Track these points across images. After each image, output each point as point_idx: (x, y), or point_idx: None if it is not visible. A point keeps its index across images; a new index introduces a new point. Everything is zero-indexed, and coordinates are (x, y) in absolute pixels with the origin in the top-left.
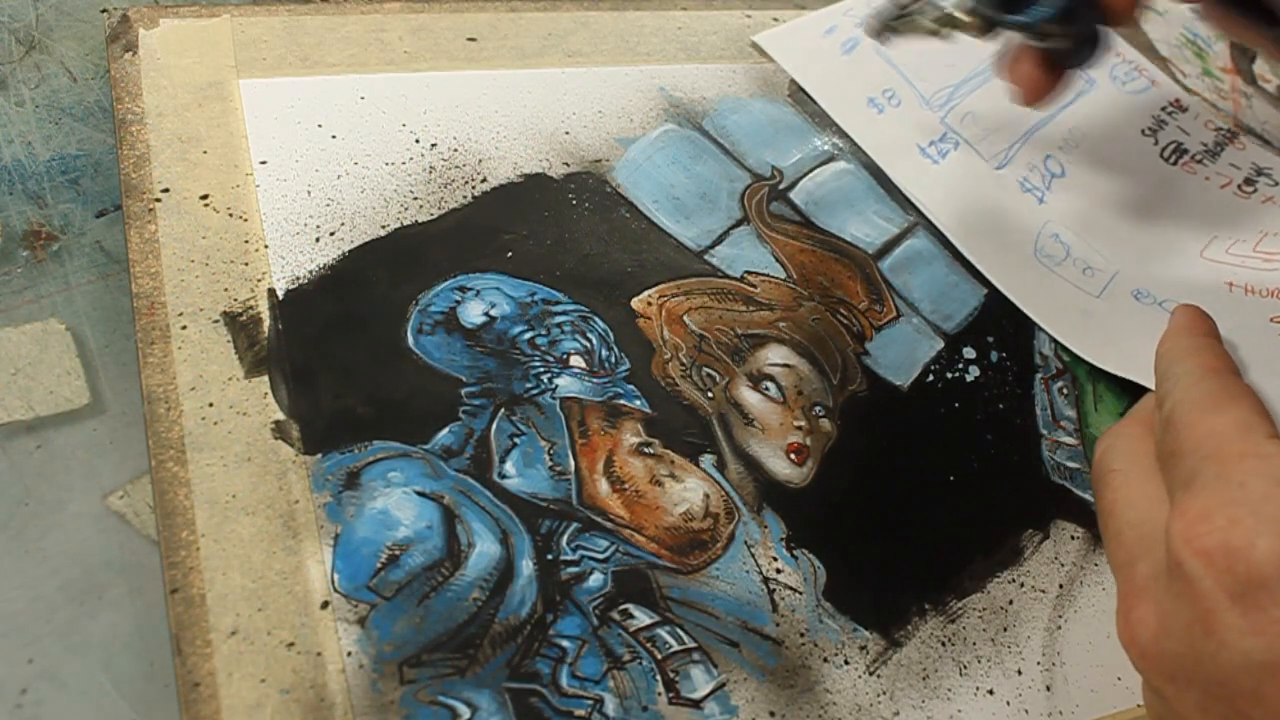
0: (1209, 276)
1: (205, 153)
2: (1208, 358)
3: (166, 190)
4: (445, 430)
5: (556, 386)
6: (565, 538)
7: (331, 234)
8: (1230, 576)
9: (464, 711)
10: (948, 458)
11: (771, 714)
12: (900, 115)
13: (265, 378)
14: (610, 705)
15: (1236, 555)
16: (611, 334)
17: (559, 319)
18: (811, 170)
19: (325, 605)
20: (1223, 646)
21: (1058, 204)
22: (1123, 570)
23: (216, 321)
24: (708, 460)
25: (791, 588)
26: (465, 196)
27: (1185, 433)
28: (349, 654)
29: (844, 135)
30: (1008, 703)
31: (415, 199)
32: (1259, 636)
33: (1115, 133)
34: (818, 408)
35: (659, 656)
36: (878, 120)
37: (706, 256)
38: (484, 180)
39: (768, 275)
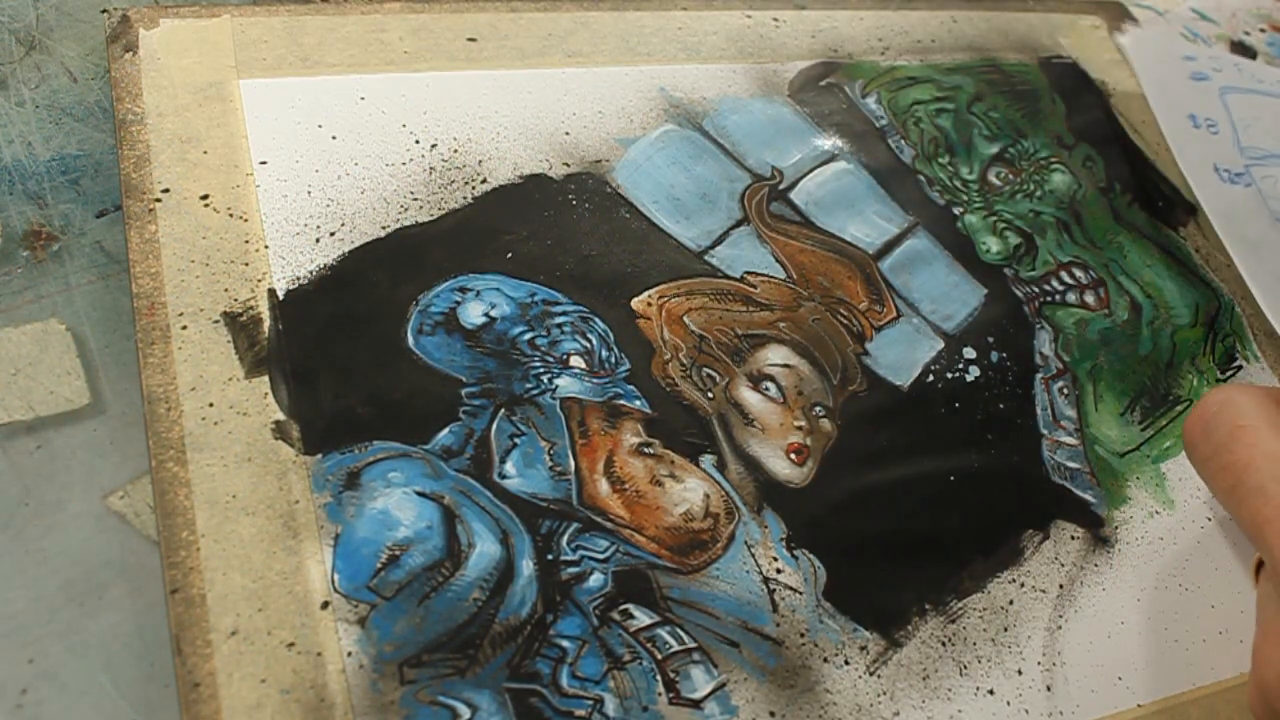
0: None
1: (205, 153)
2: None
3: (166, 190)
4: (445, 430)
5: (556, 387)
6: (565, 538)
7: (332, 234)
8: None
9: (464, 711)
10: (948, 458)
11: (772, 714)
12: (1211, 139)
13: (265, 378)
14: (610, 705)
15: None
16: (611, 334)
17: (559, 319)
18: (812, 170)
19: (325, 605)
20: None
21: None
22: (1270, 525)
23: (217, 322)
24: (708, 460)
25: (791, 588)
26: (465, 197)
27: None
28: (349, 654)
29: (846, 135)
30: (1008, 703)
31: (415, 199)
32: None
33: None
34: (818, 408)
35: (659, 656)
36: (1189, 131)
37: (706, 257)
38: (484, 181)
39: (768, 275)
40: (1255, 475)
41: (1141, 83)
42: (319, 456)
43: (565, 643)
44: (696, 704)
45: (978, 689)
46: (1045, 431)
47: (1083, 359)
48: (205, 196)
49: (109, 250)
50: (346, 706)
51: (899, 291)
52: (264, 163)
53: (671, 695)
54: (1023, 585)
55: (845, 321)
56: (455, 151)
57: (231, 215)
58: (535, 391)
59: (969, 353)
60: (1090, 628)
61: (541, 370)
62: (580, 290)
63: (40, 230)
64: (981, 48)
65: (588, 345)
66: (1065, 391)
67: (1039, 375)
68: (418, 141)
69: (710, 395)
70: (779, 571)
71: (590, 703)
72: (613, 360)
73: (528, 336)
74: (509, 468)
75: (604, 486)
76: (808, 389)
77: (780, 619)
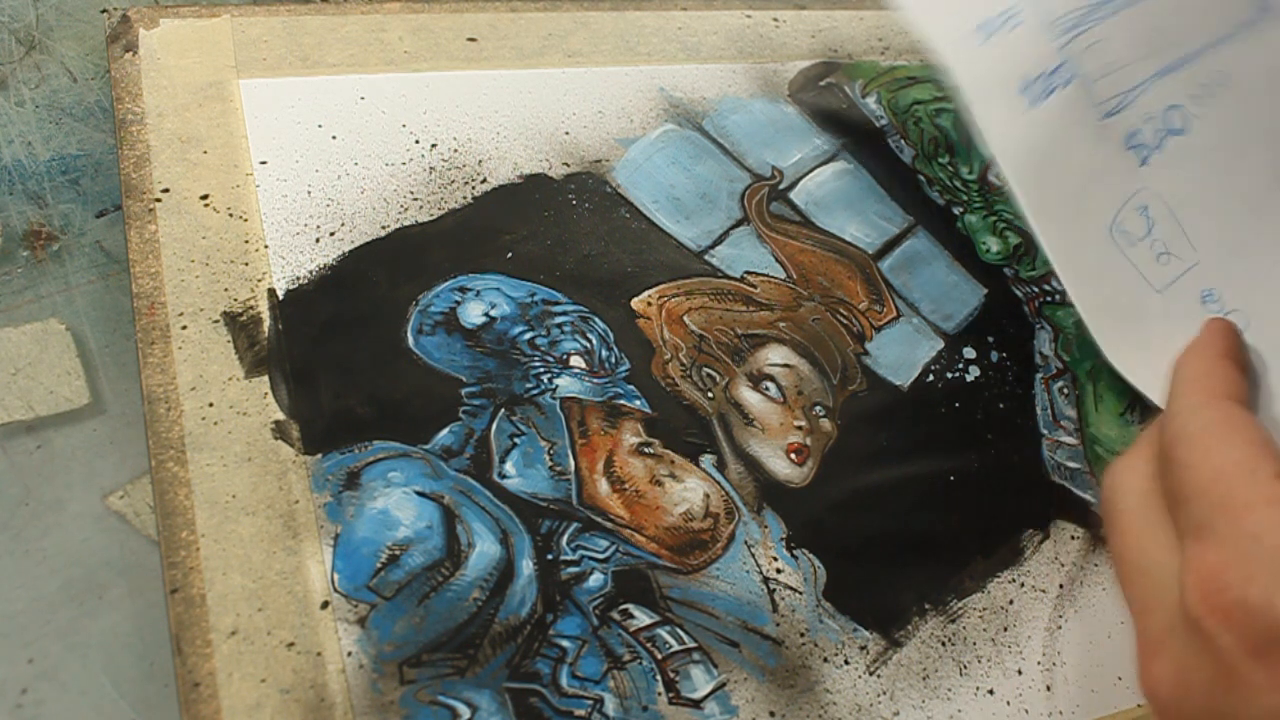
0: None
1: (205, 153)
2: (1213, 384)
3: (166, 190)
4: (445, 430)
5: (556, 386)
6: (565, 538)
7: (331, 234)
8: (1251, 633)
9: (464, 711)
10: (948, 458)
11: (771, 714)
12: (1011, 42)
13: (265, 378)
14: (610, 705)
15: (1256, 613)
16: (611, 334)
17: (559, 319)
18: (812, 170)
19: (325, 605)
20: (1246, 703)
21: (1162, 169)
22: (1138, 619)
23: (216, 321)
24: (708, 460)
25: (791, 588)
26: (465, 197)
27: (1188, 474)
28: (349, 654)
29: (846, 134)
30: (1008, 703)
31: (415, 199)
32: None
33: (1277, 79)
34: (818, 408)
35: (659, 656)
36: (981, 51)
37: (706, 256)
38: (484, 180)
39: (768, 275)
40: (1125, 566)
41: (906, 9)
42: (319, 456)
43: (565, 642)
44: (696, 704)
45: (978, 689)
46: (1045, 431)
47: (1083, 359)
48: (205, 196)
49: (109, 250)
50: (346, 706)
51: (899, 291)
52: (264, 163)
53: (671, 695)
54: (1022, 585)
55: (845, 321)
56: (455, 151)
57: (231, 215)
58: (535, 391)
59: (969, 353)
60: (1090, 628)
61: (541, 370)
62: (580, 290)
63: (40, 230)
64: None
65: (588, 345)
66: (1065, 391)
67: (1039, 375)
68: (418, 141)
69: (710, 395)
70: (779, 571)
71: (590, 702)
72: (613, 360)
73: (528, 336)
74: (509, 467)
75: (604, 486)
76: (808, 389)
77: (780, 619)
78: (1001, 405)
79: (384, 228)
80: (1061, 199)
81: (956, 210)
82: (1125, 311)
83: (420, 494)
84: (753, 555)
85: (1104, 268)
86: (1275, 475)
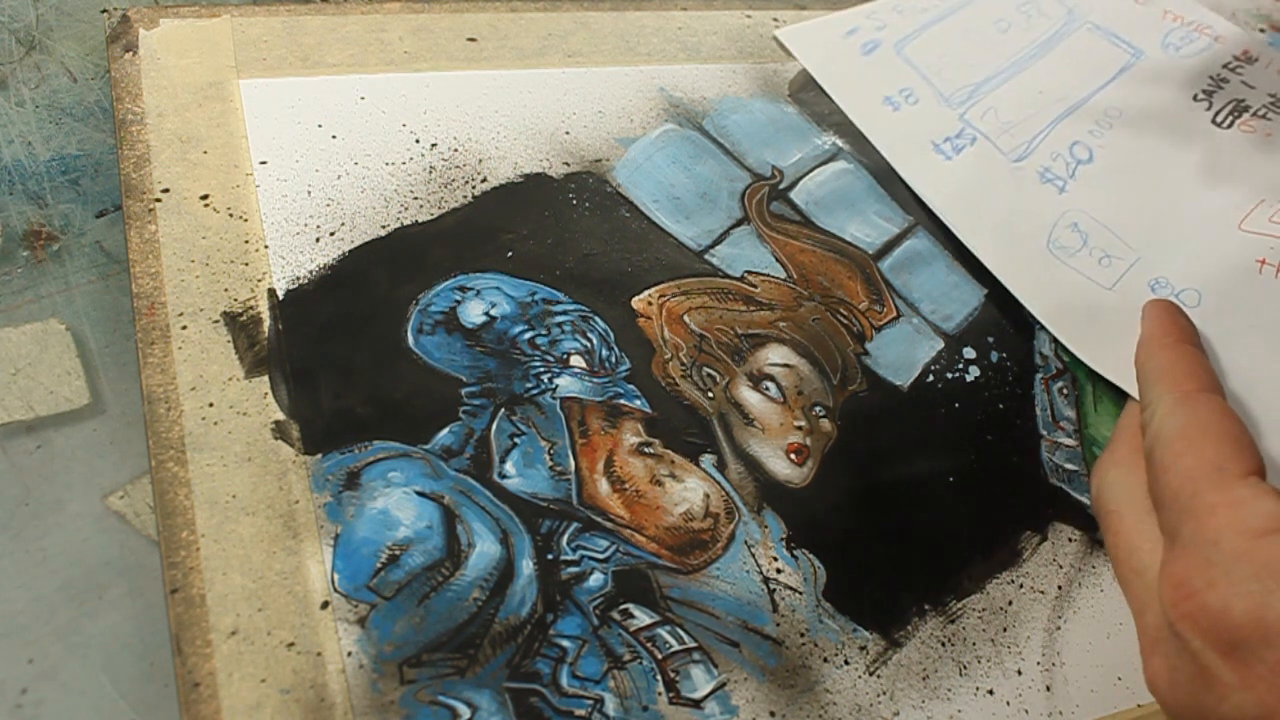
0: (1240, 255)
1: (205, 153)
2: (1180, 377)
3: (166, 190)
4: (445, 430)
5: (557, 386)
6: (565, 537)
7: (332, 234)
8: (1215, 636)
9: (464, 711)
10: (948, 458)
11: (772, 714)
12: (917, 112)
13: (265, 378)
14: (610, 705)
15: (1217, 617)
16: (612, 334)
17: (559, 319)
18: (812, 170)
19: (325, 605)
20: (1222, 700)
21: (1081, 192)
22: (1137, 617)
23: (216, 321)
24: (708, 460)
25: (791, 588)
26: (465, 196)
27: (1164, 477)
28: (349, 654)
29: (846, 134)
30: (1008, 703)
31: (415, 199)
32: (1249, 691)
33: (1160, 105)
34: (818, 408)
35: (659, 656)
36: (892, 118)
37: (707, 256)
38: (484, 180)
39: (768, 275)
40: (1120, 566)
41: (821, 85)
42: (319, 456)
43: (565, 642)
44: (696, 704)
45: (977, 689)
46: (1045, 432)
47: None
48: (205, 196)
49: (109, 250)
50: (346, 706)
51: (899, 291)
52: (264, 163)
53: (671, 695)
54: (1021, 586)
55: (845, 321)
56: (455, 151)
57: (231, 215)
58: (535, 391)
59: (969, 353)
60: (1089, 628)
61: (542, 370)
62: (580, 289)
63: (40, 230)
64: None
65: (588, 344)
66: (1065, 392)
67: (1039, 375)
68: (418, 141)
69: (710, 395)
70: (779, 571)
71: (590, 702)
72: (613, 359)
73: (528, 336)
74: (509, 467)
75: (604, 486)
76: (808, 389)
77: (780, 619)
78: (1001, 405)
79: (384, 227)
80: (995, 227)
81: None
82: (1083, 312)
83: (420, 494)
84: (753, 555)
85: (1052, 279)
86: (1242, 475)
